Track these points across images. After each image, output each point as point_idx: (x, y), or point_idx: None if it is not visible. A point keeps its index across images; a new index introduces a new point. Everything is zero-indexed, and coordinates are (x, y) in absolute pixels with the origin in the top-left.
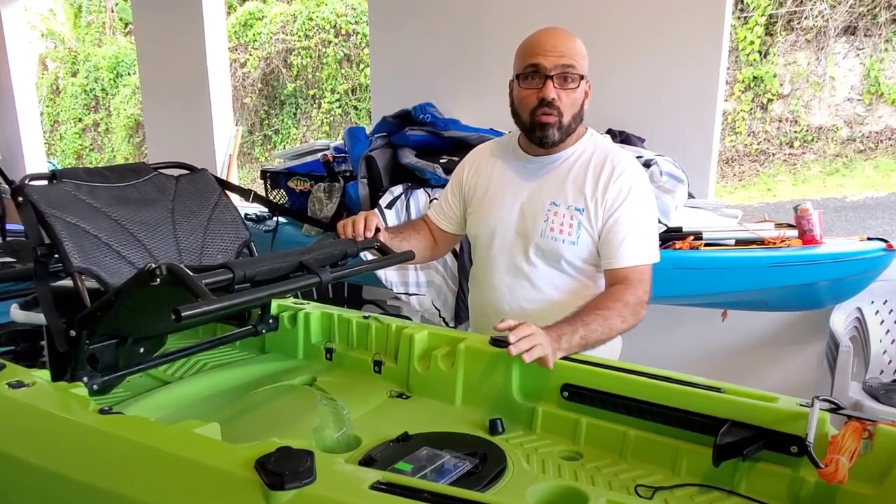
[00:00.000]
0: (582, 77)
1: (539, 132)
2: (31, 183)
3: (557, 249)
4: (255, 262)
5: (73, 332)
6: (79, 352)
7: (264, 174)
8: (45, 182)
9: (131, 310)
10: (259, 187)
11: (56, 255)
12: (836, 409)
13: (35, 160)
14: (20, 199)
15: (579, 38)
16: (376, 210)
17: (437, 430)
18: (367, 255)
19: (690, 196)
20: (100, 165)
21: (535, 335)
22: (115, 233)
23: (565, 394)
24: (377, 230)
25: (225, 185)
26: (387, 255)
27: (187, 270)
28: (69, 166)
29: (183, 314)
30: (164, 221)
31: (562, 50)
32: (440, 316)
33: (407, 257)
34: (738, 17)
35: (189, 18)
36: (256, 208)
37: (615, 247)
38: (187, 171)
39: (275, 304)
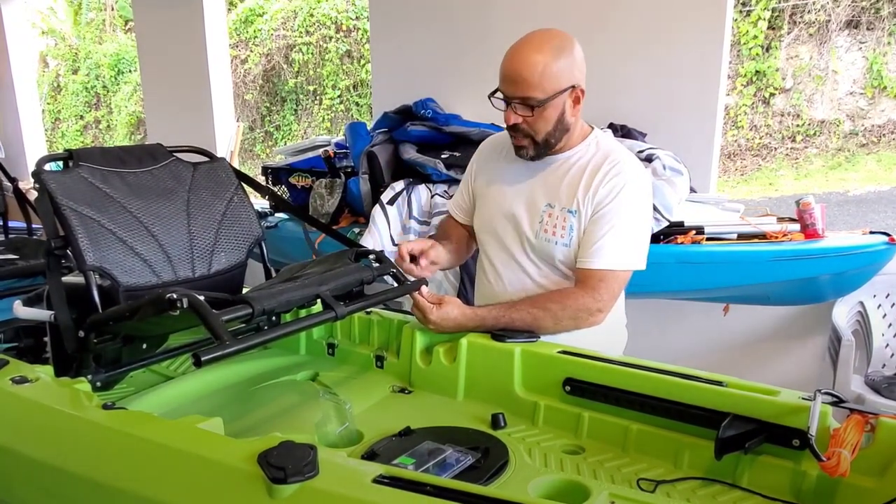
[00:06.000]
0: (547, 99)
1: (515, 150)
2: (46, 166)
3: (550, 251)
4: (274, 296)
5: (81, 333)
6: (85, 351)
7: (266, 170)
8: (60, 163)
9: (141, 319)
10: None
11: (69, 250)
12: (838, 402)
13: (36, 157)
14: (37, 186)
15: (573, 35)
16: (428, 241)
17: (439, 425)
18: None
19: (692, 191)
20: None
21: (438, 319)
22: (130, 226)
23: (567, 388)
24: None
25: (243, 178)
26: (401, 284)
27: (208, 307)
28: None
29: (203, 359)
30: (179, 214)
31: (520, 79)
32: None
33: (417, 287)
34: (741, 12)
35: (190, 15)
36: (260, 203)
37: (586, 247)
38: (205, 158)
39: None
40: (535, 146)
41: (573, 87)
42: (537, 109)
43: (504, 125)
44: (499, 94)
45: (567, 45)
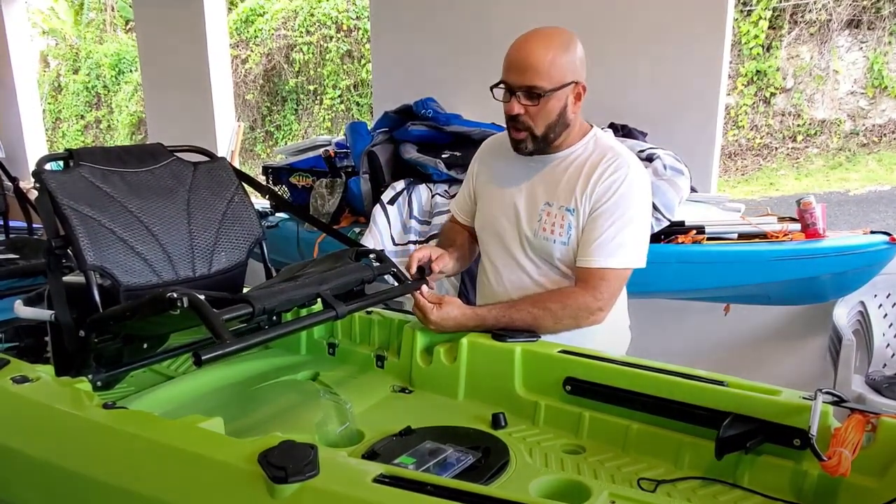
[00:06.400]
0: (552, 90)
1: (513, 145)
2: (47, 166)
3: (549, 249)
4: (274, 295)
5: (81, 333)
6: (86, 351)
7: (266, 170)
8: (61, 162)
9: (142, 318)
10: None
11: (70, 249)
12: (839, 402)
13: (37, 157)
14: (38, 185)
15: (574, 35)
16: (428, 249)
17: (440, 425)
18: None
19: (693, 190)
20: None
21: (438, 319)
22: (130, 226)
23: (568, 387)
24: (428, 269)
25: (243, 177)
26: (401, 284)
27: (208, 305)
28: None
29: (203, 357)
30: (180, 213)
31: (528, 66)
32: None
33: (417, 287)
34: (741, 11)
35: (190, 15)
36: (261, 203)
37: (585, 245)
38: (206, 158)
39: None
40: (534, 140)
41: (576, 82)
42: (542, 99)
43: (504, 123)
44: (501, 86)
45: (572, 41)
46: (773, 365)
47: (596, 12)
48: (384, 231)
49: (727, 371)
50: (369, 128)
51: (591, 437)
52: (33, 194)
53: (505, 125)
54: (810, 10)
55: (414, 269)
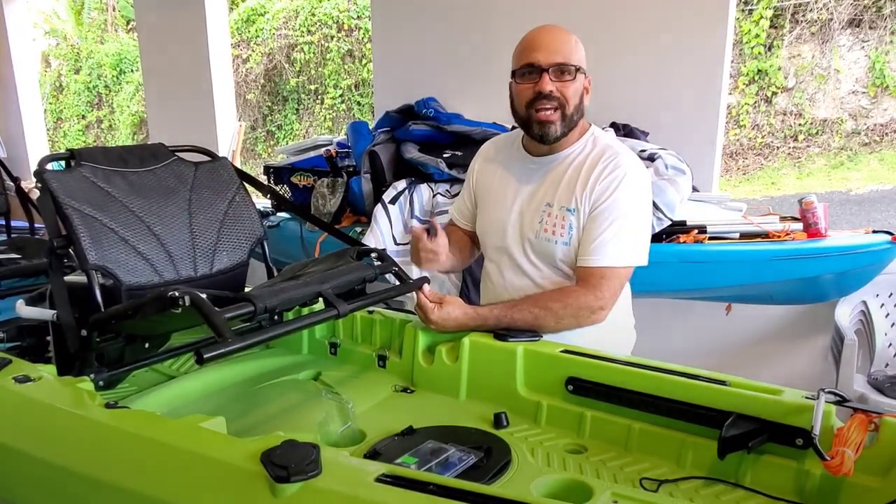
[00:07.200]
0: (579, 69)
1: (539, 130)
2: (48, 166)
3: (551, 250)
4: (276, 294)
5: (83, 332)
6: (88, 350)
7: (267, 170)
8: (62, 162)
9: (144, 317)
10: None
11: (71, 249)
12: (841, 401)
13: (39, 157)
14: (39, 185)
15: (576, 34)
16: (433, 240)
17: (442, 424)
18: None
19: (695, 190)
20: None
21: (440, 318)
22: (132, 226)
23: (570, 387)
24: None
25: (244, 177)
26: (402, 283)
27: (210, 304)
28: None
29: (205, 356)
30: (181, 213)
31: (556, 47)
32: None
33: (419, 285)
34: (743, 10)
35: (191, 14)
36: (262, 203)
37: (585, 244)
38: (207, 158)
39: None
40: (563, 120)
41: (586, 74)
42: (578, 73)
43: (507, 126)
44: (523, 71)
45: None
46: (775, 364)
47: (598, 12)
48: (385, 231)
49: (729, 371)
50: (370, 127)
51: (594, 437)
52: (35, 194)
53: (525, 110)
54: (811, 10)
55: (425, 236)
